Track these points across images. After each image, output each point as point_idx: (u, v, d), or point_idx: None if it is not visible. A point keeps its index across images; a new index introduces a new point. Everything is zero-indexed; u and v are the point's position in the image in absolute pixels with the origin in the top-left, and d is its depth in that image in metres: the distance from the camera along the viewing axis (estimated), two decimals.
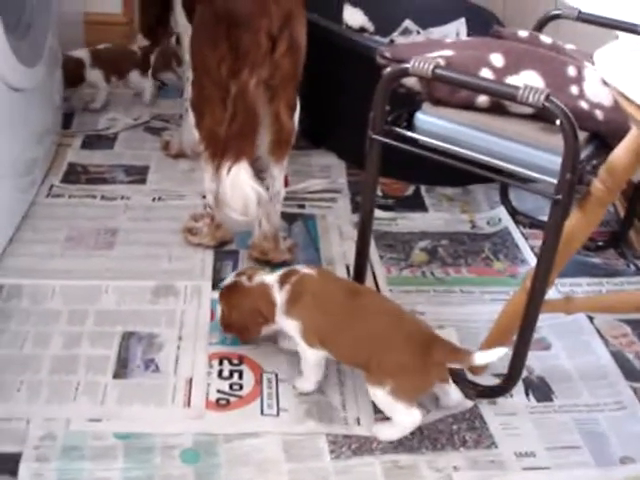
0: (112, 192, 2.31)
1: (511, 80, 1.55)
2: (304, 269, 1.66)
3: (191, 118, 1.99)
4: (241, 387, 1.64)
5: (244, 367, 1.69)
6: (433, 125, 1.60)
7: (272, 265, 1.98)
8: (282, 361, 1.71)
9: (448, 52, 1.63)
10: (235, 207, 1.76)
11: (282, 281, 1.63)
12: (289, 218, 2.19)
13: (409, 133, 1.58)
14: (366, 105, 2.39)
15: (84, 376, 1.64)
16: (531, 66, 1.60)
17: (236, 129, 1.78)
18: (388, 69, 1.59)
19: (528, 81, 1.52)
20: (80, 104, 2.79)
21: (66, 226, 2.13)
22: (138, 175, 2.42)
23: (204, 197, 2.17)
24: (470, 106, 1.59)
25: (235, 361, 1.71)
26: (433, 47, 1.70)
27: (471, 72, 1.54)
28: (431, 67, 1.46)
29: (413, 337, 1.52)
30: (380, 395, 1.50)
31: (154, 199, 2.29)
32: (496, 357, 1.49)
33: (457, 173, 1.57)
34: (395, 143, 1.57)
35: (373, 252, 2.07)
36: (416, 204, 2.36)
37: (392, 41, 3.03)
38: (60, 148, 2.52)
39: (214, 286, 1.91)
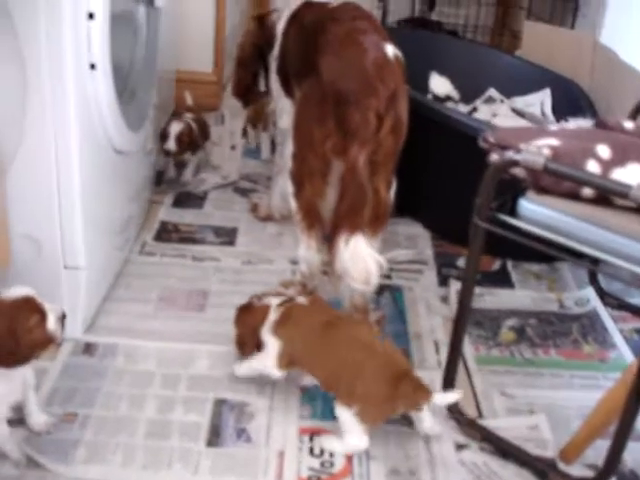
0: (202, 253, 2.36)
1: (618, 173, 1.55)
2: (300, 298, 1.84)
3: (289, 188, 2.03)
4: (332, 464, 1.64)
5: None
6: (537, 213, 1.60)
7: None
8: (373, 439, 1.71)
9: (554, 141, 1.63)
10: (357, 277, 1.80)
11: (280, 304, 1.80)
12: (376, 288, 2.20)
13: (514, 221, 1.59)
14: (453, 178, 2.44)
15: (178, 442, 1.66)
16: (637, 159, 1.60)
17: (347, 204, 1.83)
18: (495, 157, 1.61)
19: (635, 174, 1.52)
20: (171, 172, 2.84)
21: (158, 285, 2.18)
22: (227, 237, 2.47)
23: (293, 262, 2.20)
24: (574, 196, 1.59)
25: None
26: (537, 134, 1.71)
27: (578, 163, 1.54)
28: (542, 160, 1.47)
29: (384, 369, 1.65)
30: (346, 415, 1.64)
31: (243, 262, 2.33)
32: (452, 400, 1.68)
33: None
34: (500, 231, 1.58)
35: None
36: (502, 280, 2.36)
37: (475, 109, 3.06)
38: (152, 205, 2.58)
39: None
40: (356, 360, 1.66)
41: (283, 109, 2.39)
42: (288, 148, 2.38)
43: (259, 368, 1.80)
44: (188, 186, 2.75)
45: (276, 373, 1.76)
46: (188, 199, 2.69)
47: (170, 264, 2.28)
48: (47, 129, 1.72)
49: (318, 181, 1.95)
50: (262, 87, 2.65)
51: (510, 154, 1.55)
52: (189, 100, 2.98)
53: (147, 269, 2.26)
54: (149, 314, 2.05)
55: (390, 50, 1.93)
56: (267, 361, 1.77)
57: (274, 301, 1.83)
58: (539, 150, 1.51)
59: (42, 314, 1.51)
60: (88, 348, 1.91)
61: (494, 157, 1.62)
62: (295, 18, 2.25)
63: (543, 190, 1.62)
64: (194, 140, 2.75)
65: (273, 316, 1.78)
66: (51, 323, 1.53)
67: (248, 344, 1.83)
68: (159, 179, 2.75)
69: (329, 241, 1.92)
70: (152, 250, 2.36)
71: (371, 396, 1.63)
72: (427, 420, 1.71)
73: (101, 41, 1.76)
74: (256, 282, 2.22)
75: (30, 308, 1.50)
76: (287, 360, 1.75)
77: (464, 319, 1.71)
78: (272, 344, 1.76)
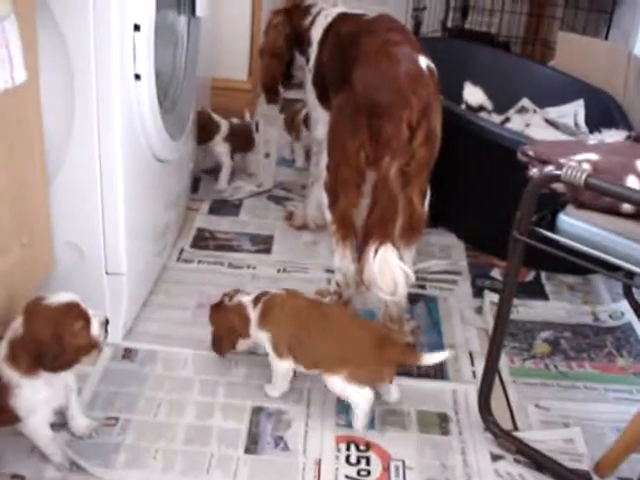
0: (239, 260, 2.39)
1: None
2: (274, 290, 1.90)
3: (324, 199, 2.05)
4: (368, 473, 1.66)
5: (371, 453, 1.71)
6: (576, 228, 1.61)
7: None
8: (409, 448, 1.73)
9: (593, 156, 1.64)
10: (384, 288, 1.81)
11: (256, 300, 1.86)
12: (410, 298, 2.21)
13: (553, 235, 1.60)
14: (488, 188, 2.45)
15: (217, 449, 1.69)
16: None
17: (378, 214, 1.84)
18: (534, 171, 1.62)
19: None
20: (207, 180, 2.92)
21: (196, 292, 2.21)
22: (263, 244, 2.50)
23: (328, 271, 2.22)
24: (614, 211, 1.60)
25: (362, 447, 1.73)
26: (576, 148, 1.72)
27: (618, 178, 1.55)
28: (584, 176, 1.47)
29: (367, 336, 1.77)
30: (336, 381, 1.74)
31: (279, 270, 2.35)
32: (441, 359, 1.78)
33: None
34: (539, 245, 1.59)
35: None
36: (536, 291, 2.36)
37: (508, 119, 3.06)
38: (189, 213, 2.61)
39: None
40: (340, 331, 1.78)
41: (318, 120, 2.41)
42: (324, 158, 2.41)
43: (275, 372, 1.84)
44: (224, 194, 2.78)
45: (282, 364, 1.81)
46: (224, 207, 2.72)
47: (207, 271, 2.31)
48: (92, 138, 1.75)
49: (352, 192, 1.97)
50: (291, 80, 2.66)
51: (551, 169, 1.56)
52: (247, 117, 3.05)
53: (185, 276, 2.29)
54: (187, 321, 2.08)
55: (423, 62, 1.94)
56: (272, 360, 1.83)
57: (245, 299, 1.88)
58: (580, 165, 1.52)
59: (86, 320, 1.55)
60: (128, 354, 1.95)
61: (534, 171, 1.64)
62: (331, 30, 2.27)
63: (582, 205, 1.63)
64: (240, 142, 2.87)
65: (255, 313, 1.84)
66: (95, 329, 1.56)
67: (225, 342, 1.91)
68: (195, 186, 2.79)
69: (359, 251, 1.94)
70: (189, 257, 2.40)
71: (357, 360, 1.74)
72: (394, 391, 1.85)
73: (146, 52, 1.79)
74: None
75: (75, 313, 1.53)
76: (283, 347, 1.80)
77: (502, 331, 1.72)
78: (263, 338, 1.83)
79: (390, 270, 1.80)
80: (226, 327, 1.89)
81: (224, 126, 2.83)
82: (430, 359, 1.77)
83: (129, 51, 1.76)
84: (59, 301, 1.53)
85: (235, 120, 2.93)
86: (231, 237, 2.53)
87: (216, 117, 2.84)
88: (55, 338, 1.49)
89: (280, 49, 2.53)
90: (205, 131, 2.78)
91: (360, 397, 1.74)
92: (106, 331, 1.60)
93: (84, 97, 1.72)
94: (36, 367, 1.50)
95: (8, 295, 1.60)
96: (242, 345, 1.91)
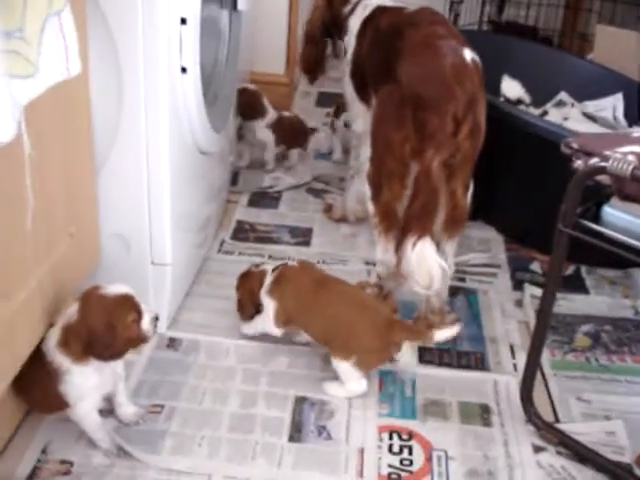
0: (279, 252, 2.41)
1: None
2: (291, 262, 2.02)
3: (367, 192, 2.06)
4: (411, 463, 1.67)
5: (414, 443, 1.73)
6: (621, 220, 1.61)
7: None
8: (451, 439, 1.74)
9: (638, 148, 1.64)
10: (420, 281, 1.83)
11: (274, 269, 1.96)
12: (450, 291, 2.21)
13: (599, 228, 1.60)
14: (528, 181, 2.44)
15: (261, 437, 1.71)
16: None
17: (418, 206, 1.85)
18: (579, 163, 1.62)
19: None
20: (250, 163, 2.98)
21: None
22: (302, 237, 2.52)
23: (367, 263, 2.24)
24: None
25: (404, 436, 1.74)
26: (620, 141, 1.72)
27: None
28: (630, 167, 1.47)
29: (375, 321, 1.81)
30: (344, 367, 1.81)
31: (318, 262, 2.37)
32: (452, 334, 1.84)
33: (619, 255, 1.57)
34: (585, 237, 1.59)
35: None
36: (577, 285, 2.36)
37: (545, 112, 3.05)
38: (229, 205, 2.64)
39: None
40: (347, 316, 1.83)
41: (357, 113, 2.42)
42: (364, 151, 2.41)
43: (261, 327, 1.96)
44: (262, 186, 2.81)
45: (275, 331, 1.93)
46: (263, 199, 2.74)
47: (248, 262, 2.32)
48: (140, 130, 1.78)
49: (396, 184, 1.97)
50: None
51: (596, 161, 1.56)
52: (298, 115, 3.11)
53: (226, 267, 2.32)
54: (229, 311, 2.10)
55: (468, 55, 1.94)
56: (267, 321, 1.92)
57: (268, 267, 1.98)
58: (625, 157, 1.52)
59: (139, 313, 1.58)
60: (172, 343, 1.98)
61: (579, 164, 1.63)
62: (369, 22, 2.26)
63: (628, 197, 1.62)
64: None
65: (268, 279, 1.93)
66: (145, 323, 1.59)
67: (247, 307, 1.99)
68: (234, 179, 2.81)
69: (397, 243, 1.95)
70: (230, 249, 2.42)
71: (366, 347, 1.80)
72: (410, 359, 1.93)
73: (192, 45, 1.82)
74: None
75: (129, 306, 1.56)
76: (284, 318, 1.90)
77: (545, 324, 1.72)
78: (268, 304, 1.91)
79: (427, 264, 1.81)
80: (248, 292, 1.98)
81: (271, 114, 2.89)
82: (441, 335, 1.82)
83: (176, 44, 1.78)
84: (115, 292, 1.56)
85: (286, 113, 2.99)
86: (271, 229, 2.55)
87: (267, 103, 2.90)
88: (108, 328, 1.52)
89: (317, 32, 2.54)
90: (251, 109, 2.85)
91: (357, 387, 1.83)
92: (155, 327, 1.62)
93: (132, 90, 1.75)
94: (87, 355, 1.53)
95: (57, 285, 1.63)
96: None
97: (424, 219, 1.85)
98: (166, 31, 1.73)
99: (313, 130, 3.06)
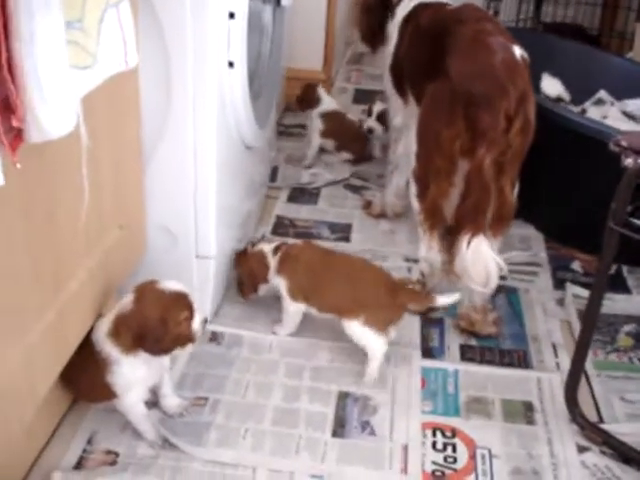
0: None
1: None
2: (292, 241, 2.12)
3: (412, 189, 2.06)
4: (455, 460, 1.67)
5: (457, 440, 1.72)
6: None
7: (478, 338, 2.02)
8: (494, 437, 1.73)
9: None
10: (476, 278, 1.83)
11: (276, 249, 2.01)
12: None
13: None
14: (569, 180, 2.43)
15: (305, 431, 1.72)
16: None
17: (471, 204, 1.85)
18: (629, 161, 1.60)
19: None
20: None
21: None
22: (342, 233, 2.52)
23: (407, 260, 2.24)
24: None
25: (448, 433, 1.74)
26: None
27: None
28: None
29: (380, 280, 1.91)
30: (355, 325, 1.86)
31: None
32: (453, 300, 1.91)
33: None
34: (635, 235, 1.57)
35: (578, 333, 2.06)
36: (618, 284, 2.34)
37: (584, 111, 3.03)
38: (268, 200, 2.65)
39: (424, 354, 1.97)
40: (354, 277, 1.91)
41: (397, 108, 2.42)
42: (401, 145, 2.42)
43: (288, 323, 2.01)
44: (301, 180, 2.82)
45: (293, 305, 1.96)
46: (302, 195, 2.75)
47: None
48: (187, 124, 1.79)
49: (443, 181, 1.96)
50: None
51: None
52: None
53: None
54: (270, 305, 2.11)
55: (517, 51, 1.93)
56: (284, 302, 1.97)
57: (266, 247, 2.03)
58: None
59: (191, 312, 1.58)
60: (215, 336, 1.99)
61: (629, 162, 1.62)
62: (411, 19, 2.26)
63: None
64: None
65: (273, 260, 1.99)
66: (196, 323, 1.59)
67: (247, 285, 2.06)
68: (273, 175, 2.82)
69: (449, 241, 1.95)
70: None
71: (372, 303, 1.86)
72: (391, 330, 1.91)
73: (240, 40, 1.82)
74: None
75: (183, 304, 1.56)
76: (297, 293, 1.95)
77: (593, 322, 1.72)
78: (280, 284, 1.97)
79: (483, 261, 1.81)
80: (247, 272, 2.03)
81: (325, 104, 2.94)
82: (442, 300, 1.90)
83: (224, 39, 1.79)
84: (171, 289, 1.57)
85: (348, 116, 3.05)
86: (310, 225, 2.55)
87: (323, 93, 2.97)
88: (160, 322, 1.53)
89: (374, 4, 2.51)
90: (304, 100, 2.96)
91: (379, 344, 1.86)
92: (203, 329, 1.63)
93: (180, 84, 1.76)
94: (136, 347, 1.54)
95: (106, 277, 1.64)
96: (262, 290, 2.05)
97: (477, 217, 1.85)
98: (215, 25, 1.74)
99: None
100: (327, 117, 2.94)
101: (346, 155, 2.99)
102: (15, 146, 1.08)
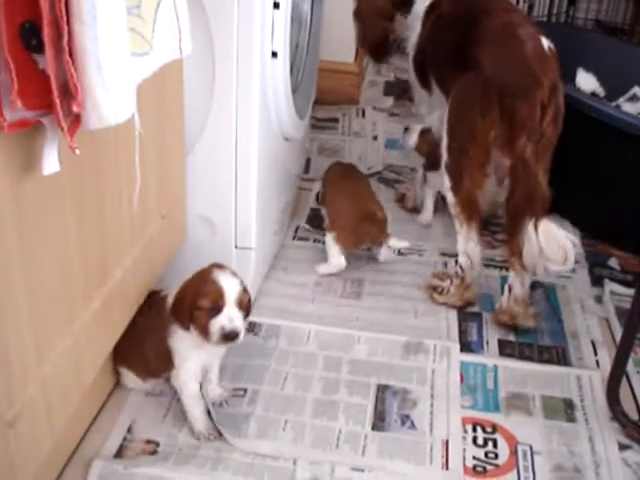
0: None
1: None
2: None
3: (446, 182, 2.04)
4: (496, 456, 1.66)
5: (498, 436, 1.71)
6: None
7: (518, 331, 2.01)
8: (535, 433, 1.72)
9: None
10: (553, 258, 1.83)
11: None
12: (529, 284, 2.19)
13: None
14: (606, 175, 2.40)
15: (344, 424, 1.71)
16: None
17: (524, 195, 1.86)
18: None
19: None
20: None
21: (313, 270, 2.23)
22: None
23: (443, 254, 2.23)
24: None
25: (488, 429, 1.73)
26: None
27: None
28: None
29: (357, 209, 2.20)
30: (328, 239, 2.21)
31: (394, 252, 2.35)
32: (404, 246, 2.26)
33: None
34: None
35: (617, 330, 2.05)
36: None
37: (618, 107, 3.00)
38: (302, 192, 2.64)
39: (462, 348, 1.96)
40: (343, 203, 2.23)
41: (421, 98, 2.41)
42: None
43: (328, 248, 2.22)
44: None
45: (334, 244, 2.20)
46: None
47: (323, 250, 2.31)
48: (230, 114, 1.78)
49: (478, 173, 1.96)
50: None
51: None
52: None
53: (301, 254, 2.32)
54: (307, 297, 2.11)
55: (545, 42, 1.94)
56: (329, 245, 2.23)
57: None
58: None
59: (217, 309, 1.53)
60: (253, 327, 1.98)
61: None
62: (436, 9, 2.22)
63: None
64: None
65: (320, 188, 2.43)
66: (216, 322, 1.53)
67: None
68: (306, 167, 2.81)
69: (509, 233, 1.93)
70: (305, 235, 2.42)
71: (344, 226, 2.18)
72: (384, 252, 2.28)
73: (284, 30, 1.81)
74: (408, 273, 2.26)
75: (213, 296, 1.52)
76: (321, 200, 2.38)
77: (637, 322, 1.70)
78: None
79: (557, 239, 1.83)
80: None
81: None
82: (395, 243, 2.23)
83: (268, 29, 1.78)
84: (217, 279, 1.53)
85: None
86: None
87: None
88: (181, 294, 1.55)
89: (383, 7, 2.49)
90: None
91: (336, 260, 2.19)
92: (223, 338, 1.54)
93: (224, 73, 1.75)
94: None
95: (148, 265, 1.64)
96: None
97: (534, 204, 1.86)
98: (260, 15, 1.73)
99: None
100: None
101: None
102: (73, 132, 1.07)
